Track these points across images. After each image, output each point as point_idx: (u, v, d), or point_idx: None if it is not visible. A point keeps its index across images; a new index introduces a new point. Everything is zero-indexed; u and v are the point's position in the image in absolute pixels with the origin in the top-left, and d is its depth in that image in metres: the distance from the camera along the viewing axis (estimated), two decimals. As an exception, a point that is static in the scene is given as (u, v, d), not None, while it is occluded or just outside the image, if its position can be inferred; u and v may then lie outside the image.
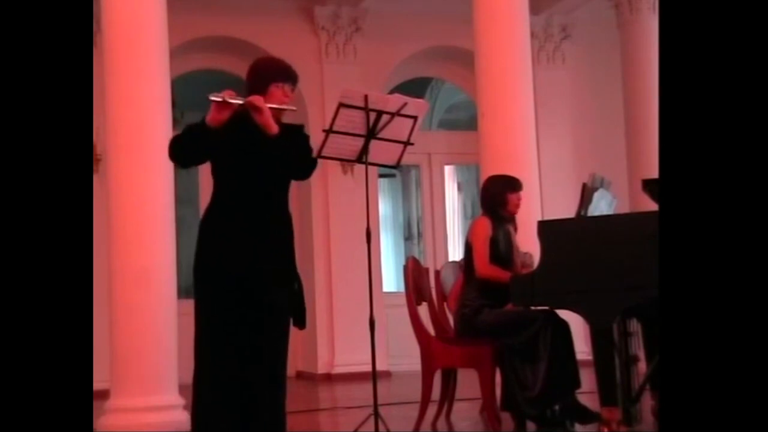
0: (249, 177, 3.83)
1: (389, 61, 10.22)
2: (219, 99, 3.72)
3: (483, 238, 5.39)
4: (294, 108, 3.97)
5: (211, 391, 3.76)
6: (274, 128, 3.76)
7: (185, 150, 3.86)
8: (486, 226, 5.43)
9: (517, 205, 5.62)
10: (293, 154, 3.82)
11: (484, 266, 5.35)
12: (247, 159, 3.82)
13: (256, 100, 3.78)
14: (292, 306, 3.88)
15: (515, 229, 6.11)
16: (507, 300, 5.29)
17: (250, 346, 3.77)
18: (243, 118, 3.78)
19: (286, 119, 3.99)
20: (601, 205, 5.06)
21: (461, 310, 5.45)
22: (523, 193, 5.69)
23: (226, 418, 3.74)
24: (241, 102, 3.78)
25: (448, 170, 11.41)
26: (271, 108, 3.83)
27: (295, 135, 3.91)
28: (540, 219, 5.63)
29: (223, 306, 3.77)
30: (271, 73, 3.95)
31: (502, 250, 5.44)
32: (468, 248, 5.49)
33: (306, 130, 4.04)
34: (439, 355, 5.45)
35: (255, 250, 3.79)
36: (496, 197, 5.54)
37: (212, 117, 3.75)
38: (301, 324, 3.91)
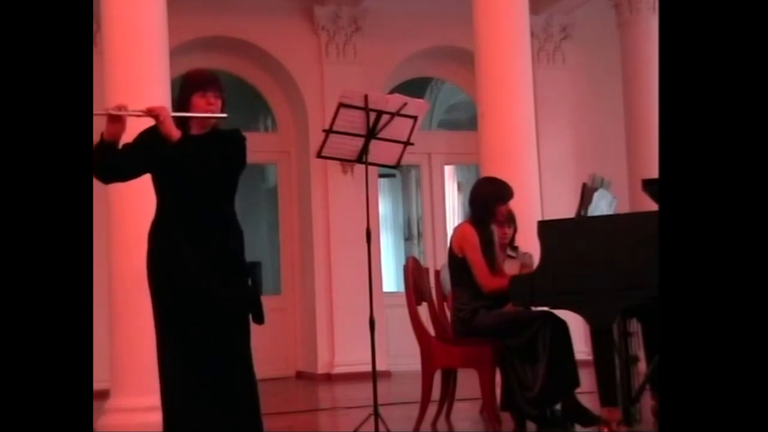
0: (173, 185, 3.89)
1: (389, 61, 10.22)
2: (101, 113, 3.80)
3: (476, 248, 5.31)
4: (224, 115, 3.97)
5: (179, 393, 3.80)
6: (175, 135, 3.80)
7: (98, 166, 3.92)
8: (474, 235, 5.36)
9: (504, 215, 5.62)
10: (200, 157, 3.83)
11: (488, 281, 5.27)
12: (164, 168, 3.88)
13: (156, 108, 3.85)
14: (249, 302, 3.90)
15: (515, 229, 6.11)
16: (500, 301, 5.29)
17: (210, 345, 3.79)
18: (158, 134, 3.85)
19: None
20: (601, 205, 5.06)
21: (457, 314, 5.43)
22: (522, 193, 5.66)
23: (196, 419, 3.76)
24: (138, 113, 3.85)
25: (448, 170, 11.41)
26: (190, 116, 3.90)
27: (222, 139, 3.94)
28: (540, 219, 5.63)
29: (179, 311, 3.81)
30: (190, 84, 3.97)
31: (486, 255, 5.39)
32: (454, 257, 5.44)
33: (241, 132, 4.04)
34: (439, 355, 5.45)
35: (198, 252, 3.83)
36: (484, 208, 5.48)
37: (107, 131, 3.86)
38: (259, 319, 3.93)
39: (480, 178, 5.93)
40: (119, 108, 3.85)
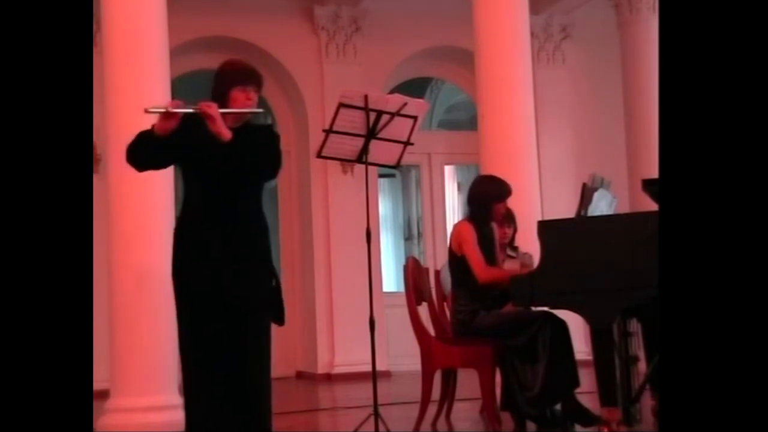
0: (211, 181, 3.85)
1: (389, 61, 10.22)
2: (161, 110, 3.74)
3: (473, 243, 5.31)
4: (260, 110, 3.95)
5: (199, 391, 3.79)
6: (227, 135, 3.75)
7: (138, 156, 3.91)
8: (471, 231, 5.37)
9: (502, 213, 5.61)
10: (249, 158, 3.80)
11: (483, 272, 5.26)
12: (207, 164, 3.83)
13: (208, 107, 3.77)
14: (271, 303, 3.89)
15: (515, 229, 6.11)
16: (499, 302, 5.28)
17: (231, 344, 3.78)
18: (200, 123, 3.78)
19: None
20: (601, 205, 5.05)
21: (456, 315, 5.43)
22: (522, 193, 5.65)
23: (215, 418, 3.76)
24: (192, 111, 3.77)
25: (448, 170, 11.41)
26: (234, 112, 3.85)
27: (258, 136, 3.91)
28: (540, 219, 5.63)
29: (204, 307, 3.80)
30: (231, 77, 3.92)
31: (485, 252, 5.39)
32: (453, 255, 5.44)
33: (276, 129, 4.04)
34: (439, 355, 5.45)
35: (231, 250, 3.80)
36: (482, 206, 5.48)
37: (159, 126, 3.77)
38: (279, 320, 3.92)
39: (478, 176, 5.90)
40: (176, 106, 3.76)
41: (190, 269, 3.84)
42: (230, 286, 3.78)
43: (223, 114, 3.81)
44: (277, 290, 3.93)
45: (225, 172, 3.81)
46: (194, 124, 3.79)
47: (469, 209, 5.58)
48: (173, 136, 3.78)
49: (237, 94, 3.88)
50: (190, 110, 3.78)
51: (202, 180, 3.88)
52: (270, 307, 3.89)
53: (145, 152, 3.88)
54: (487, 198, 5.48)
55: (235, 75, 3.93)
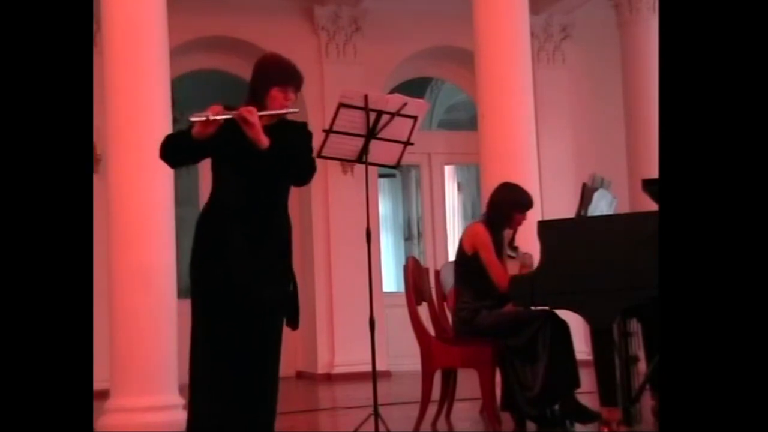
0: (244, 180, 3.82)
1: (389, 61, 10.23)
2: (202, 119, 3.71)
3: (490, 248, 5.31)
4: (296, 110, 3.93)
5: (205, 389, 3.78)
6: (264, 143, 3.71)
7: (174, 153, 3.90)
8: (487, 235, 5.36)
9: (520, 224, 5.56)
10: (285, 161, 3.78)
11: (505, 280, 5.17)
12: (241, 164, 3.80)
13: (247, 113, 3.72)
14: (287, 306, 3.88)
15: (515, 230, 6.11)
16: (502, 301, 5.28)
17: (243, 345, 3.77)
18: (237, 123, 3.76)
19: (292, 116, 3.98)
20: (601, 205, 5.06)
21: (458, 313, 5.43)
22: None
23: (218, 417, 3.75)
24: (230, 116, 3.74)
25: (448, 170, 11.42)
26: (272, 114, 3.82)
27: (293, 134, 3.89)
28: (540, 219, 5.63)
29: (218, 305, 3.77)
30: (273, 76, 3.90)
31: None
32: (463, 254, 5.44)
33: (309, 128, 4.02)
34: (439, 355, 5.45)
35: (251, 249, 3.78)
36: (502, 213, 5.47)
37: (197, 131, 3.74)
38: (294, 324, 3.92)
39: (501, 183, 5.80)
40: (216, 112, 3.73)
41: (204, 266, 3.82)
42: (246, 283, 3.75)
43: (260, 115, 3.77)
44: (293, 293, 3.91)
45: (260, 171, 3.78)
46: (233, 123, 3.75)
47: (487, 213, 5.56)
48: (211, 137, 3.76)
49: (276, 93, 3.85)
50: (230, 116, 3.74)
51: (235, 176, 3.84)
52: (285, 309, 3.88)
53: (182, 152, 3.88)
54: (510, 205, 5.46)
55: (277, 74, 3.90)
